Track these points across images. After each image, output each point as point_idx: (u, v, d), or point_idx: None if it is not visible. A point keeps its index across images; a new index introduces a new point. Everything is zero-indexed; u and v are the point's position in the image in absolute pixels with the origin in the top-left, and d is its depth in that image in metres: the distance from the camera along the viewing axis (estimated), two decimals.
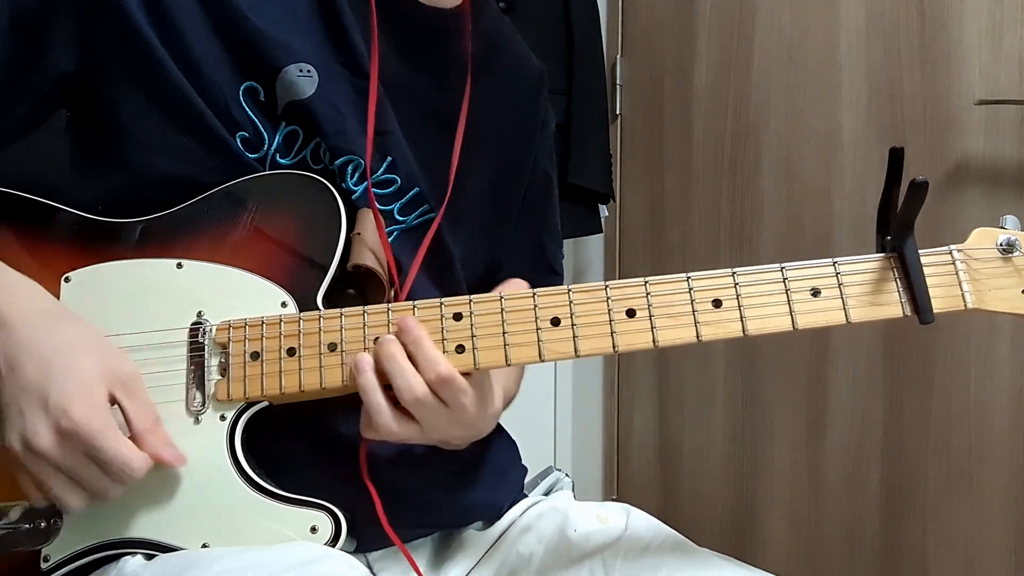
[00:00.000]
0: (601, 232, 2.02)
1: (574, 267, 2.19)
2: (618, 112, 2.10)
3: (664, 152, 2.03)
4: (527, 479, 0.99)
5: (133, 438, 0.65)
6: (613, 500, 2.17)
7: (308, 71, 0.74)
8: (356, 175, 0.76)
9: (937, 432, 1.64)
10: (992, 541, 1.59)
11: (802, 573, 1.83)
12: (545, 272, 0.93)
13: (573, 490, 1.02)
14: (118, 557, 0.68)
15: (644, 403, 2.12)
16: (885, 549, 1.72)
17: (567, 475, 1.05)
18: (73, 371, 0.63)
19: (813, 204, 1.78)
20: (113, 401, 0.64)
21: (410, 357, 0.67)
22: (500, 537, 0.83)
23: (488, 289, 0.86)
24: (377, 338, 0.69)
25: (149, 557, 0.68)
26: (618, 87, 2.10)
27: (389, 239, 0.76)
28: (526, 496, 0.90)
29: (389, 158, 0.77)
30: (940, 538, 1.65)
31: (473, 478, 0.82)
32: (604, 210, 2.03)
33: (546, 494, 0.98)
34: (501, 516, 0.85)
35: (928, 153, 1.62)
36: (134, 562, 0.67)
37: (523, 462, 0.93)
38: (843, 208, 1.73)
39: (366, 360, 0.68)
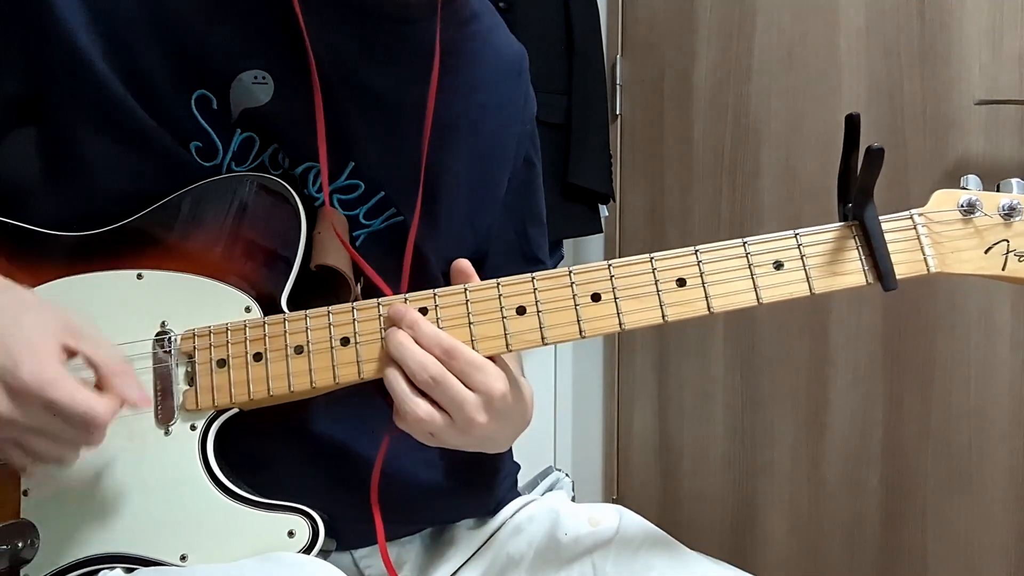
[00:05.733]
0: (601, 232, 2.02)
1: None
2: (618, 112, 2.10)
3: (664, 152, 2.03)
4: (527, 479, 0.99)
5: (100, 382, 0.63)
6: (613, 500, 2.17)
7: (263, 78, 0.73)
8: (318, 182, 0.75)
9: (937, 432, 1.64)
10: (992, 541, 1.59)
11: (802, 573, 1.83)
12: (529, 261, 0.91)
13: (573, 490, 1.02)
14: (97, 572, 0.68)
15: (644, 403, 2.12)
16: (885, 549, 1.72)
17: (567, 475, 1.05)
18: (19, 329, 0.62)
19: (813, 204, 1.78)
20: (71, 353, 0.63)
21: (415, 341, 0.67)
22: (491, 536, 0.83)
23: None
24: None
25: (129, 571, 0.68)
26: (618, 87, 2.10)
27: (356, 244, 0.76)
28: (520, 495, 0.89)
29: (351, 163, 0.76)
30: (940, 538, 1.65)
31: (464, 475, 0.81)
32: (604, 210, 2.03)
33: (545, 494, 0.98)
34: (493, 514, 0.85)
35: (928, 153, 1.62)
36: None
37: (523, 462, 0.93)
38: None
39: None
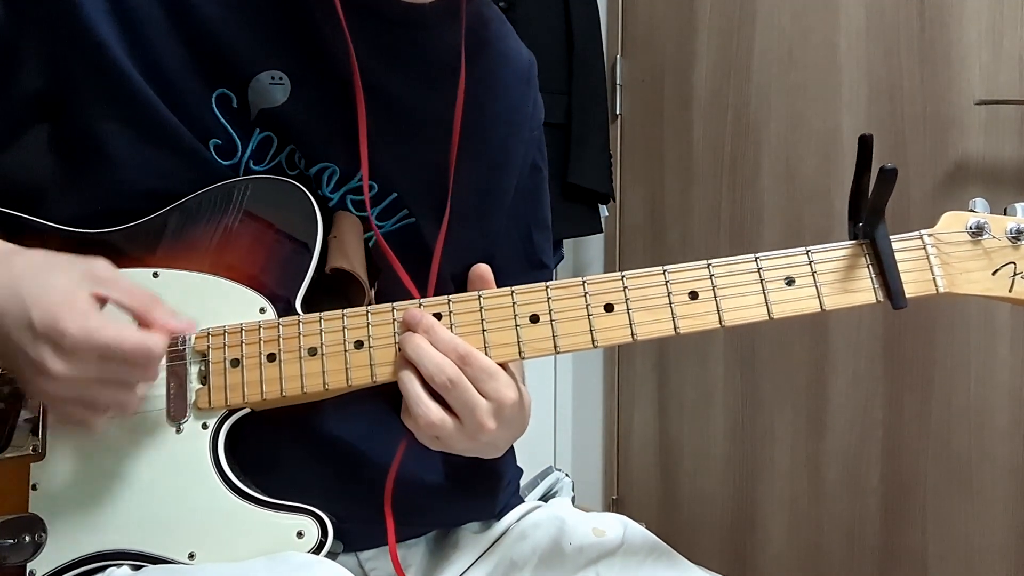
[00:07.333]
0: (601, 232, 2.02)
1: (574, 267, 2.19)
2: (618, 112, 2.10)
3: (664, 152, 2.03)
4: (527, 479, 0.99)
5: (140, 321, 0.65)
6: (613, 500, 2.17)
7: (280, 78, 0.73)
8: (332, 182, 0.75)
9: (937, 432, 1.64)
10: (992, 541, 1.59)
11: (802, 573, 1.83)
12: (534, 266, 0.92)
13: (573, 490, 1.02)
14: (104, 569, 0.68)
15: (644, 403, 2.12)
16: (885, 549, 1.72)
17: (567, 475, 1.05)
18: (46, 288, 0.62)
19: (813, 204, 1.78)
20: (103, 301, 0.64)
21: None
22: (496, 541, 0.83)
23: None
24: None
25: (136, 568, 0.68)
26: (618, 87, 2.10)
27: (368, 244, 0.76)
28: (523, 500, 0.90)
29: None
30: (940, 538, 1.65)
31: (467, 479, 0.81)
32: (604, 210, 2.03)
33: (545, 494, 0.98)
34: (498, 518, 0.85)
35: (928, 153, 1.62)
36: (120, 574, 0.67)
37: (523, 462, 0.93)
38: (843, 208, 1.69)
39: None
